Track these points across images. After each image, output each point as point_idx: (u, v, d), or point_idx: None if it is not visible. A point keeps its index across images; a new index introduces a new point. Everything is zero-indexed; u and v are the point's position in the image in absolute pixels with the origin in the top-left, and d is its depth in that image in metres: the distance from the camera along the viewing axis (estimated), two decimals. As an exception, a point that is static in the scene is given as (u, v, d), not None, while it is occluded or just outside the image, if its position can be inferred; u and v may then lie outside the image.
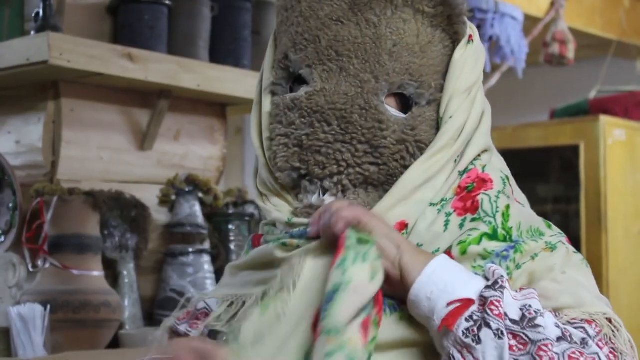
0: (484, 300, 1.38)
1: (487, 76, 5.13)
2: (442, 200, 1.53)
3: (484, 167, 1.57)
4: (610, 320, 1.44)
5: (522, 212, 1.55)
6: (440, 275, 1.41)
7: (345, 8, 1.54)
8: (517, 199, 1.62)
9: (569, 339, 1.36)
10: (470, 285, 1.40)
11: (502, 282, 1.39)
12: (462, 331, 1.37)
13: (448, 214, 1.52)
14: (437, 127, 1.56)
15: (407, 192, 1.52)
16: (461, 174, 1.55)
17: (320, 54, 1.54)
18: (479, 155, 1.58)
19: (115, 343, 2.96)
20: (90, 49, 2.93)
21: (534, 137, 6.32)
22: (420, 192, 1.52)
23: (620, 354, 1.41)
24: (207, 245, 3.21)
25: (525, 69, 5.00)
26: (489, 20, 4.64)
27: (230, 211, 3.30)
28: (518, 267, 1.47)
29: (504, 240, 1.49)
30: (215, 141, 3.44)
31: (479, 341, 1.35)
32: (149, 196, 3.16)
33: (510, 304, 1.38)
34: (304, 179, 1.56)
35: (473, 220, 1.51)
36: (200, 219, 3.21)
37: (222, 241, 3.28)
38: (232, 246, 3.28)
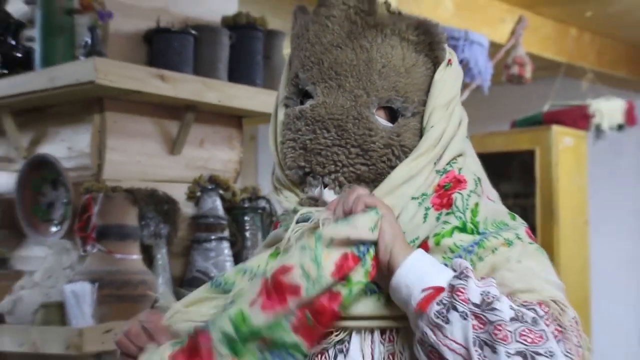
0: (452, 288, 1.41)
1: (458, 93, 5.15)
2: (423, 195, 1.57)
3: (460, 169, 1.60)
4: (556, 302, 1.46)
5: (488, 208, 1.58)
6: (418, 267, 1.45)
7: (344, 36, 1.58)
8: (488, 196, 1.64)
9: (521, 319, 1.39)
10: (441, 276, 1.44)
11: (467, 272, 1.43)
12: (434, 313, 1.40)
13: (427, 208, 1.56)
14: (420, 135, 1.60)
15: (392, 188, 1.56)
16: (439, 173, 1.58)
17: (323, 73, 1.58)
18: (455, 158, 1.61)
19: (151, 314, 2.96)
20: (129, 71, 2.94)
21: (498, 143, 6.33)
22: (403, 187, 1.56)
23: (565, 329, 1.43)
24: (226, 233, 3.22)
25: (490, 87, 5.01)
26: (460, 46, 4.65)
27: (246, 205, 3.30)
28: (481, 259, 1.50)
29: (471, 232, 1.53)
30: (233, 147, 3.45)
31: (447, 321, 1.39)
32: (178, 193, 3.17)
33: (473, 290, 1.40)
34: (308, 175, 1.59)
35: (447, 214, 1.54)
36: (220, 211, 3.22)
37: (239, 230, 3.28)
38: (247, 234, 3.28)
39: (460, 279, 1.42)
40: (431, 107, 1.59)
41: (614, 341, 6.99)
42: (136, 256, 2.94)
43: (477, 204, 1.56)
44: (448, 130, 1.60)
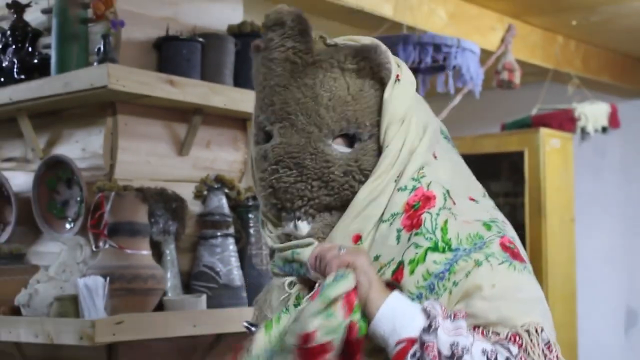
0: (422, 343, 1.39)
1: (451, 97, 5.15)
2: (392, 215, 1.54)
3: (429, 184, 1.56)
4: (529, 332, 1.43)
5: (459, 224, 1.53)
6: (392, 315, 1.43)
7: (288, 76, 1.55)
8: (471, 196, 1.62)
9: None
10: (412, 325, 1.41)
11: (435, 323, 1.40)
12: None
13: (399, 230, 1.53)
14: (379, 155, 1.57)
15: (357, 211, 1.54)
16: (404, 190, 1.55)
17: (276, 114, 1.57)
18: (421, 170, 1.57)
19: (160, 307, 2.96)
20: (140, 76, 2.93)
21: (488, 145, 6.33)
22: (367, 209, 1.54)
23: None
24: (231, 230, 3.21)
25: (481, 92, 5.00)
26: (453, 53, 4.64)
27: (250, 203, 3.29)
28: (455, 284, 1.47)
29: (444, 251, 1.49)
30: (238, 148, 3.44)
31: None
32: (186, 192, 3.16)
33: (443, 342, 1.38)
34: (281, 211, 1.59)
35: (416, 234, 1.51)
36: (226, 209, 3.21)
37: (244, 227, 3.28)
38: (251, 231, 3.27)
39: (429, 333, 1.39)
40: (385, 126, 1.56)
41: (599, 332, 6.98)
42: (146, 252, 2.93)
43: (446, 221, 1.52)
44: (406, 144, 1.56)
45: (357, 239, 1.54)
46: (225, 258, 3.12)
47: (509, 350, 1.40)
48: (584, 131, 6.34)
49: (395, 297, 1.46)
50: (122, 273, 2.82)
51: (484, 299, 1.45)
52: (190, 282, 3.14)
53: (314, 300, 1.44)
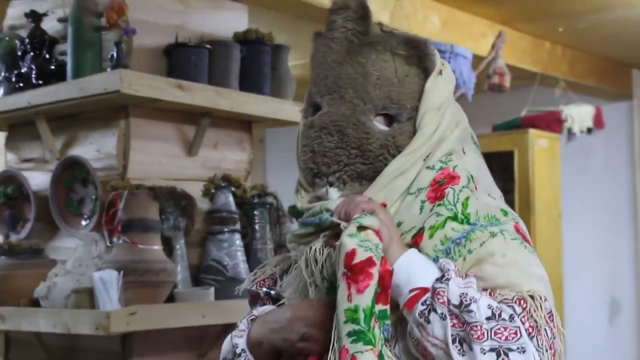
0: (433, 290, 1.43)
1: (445, 100, 5.15)
2: (419, 189, 1.57)
3: (455, 166, 1.60)
4: (533, 297, 1.46)
5: (480, 203, 1.58)
6: (408, 267, 1.48)
7: (344, 54, 1.61)
8: (490, 194, 1.66)
9: (498, 317, 1.40)
10: (426, 277, 1.46)
11: (449, 274, 1.44)
12: (418, 312, 1.44)
13: (423, 201, 1.56)
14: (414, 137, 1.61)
15: (385, 182, 1.57)
16: (432, 169, 1.59)
17: (328, 87, 1.61)
18: (449, 156, 1.61)
19: (170, 299, 2.97)
20: (151, 81, 2.94)
21: (480, 144, 6.32)
22: (395, 182, 1.57)
23: (539, 325, 1.43)
24: (238, 226, 3.21)
25: (473, 95, 5.01)
26: (446, 58, 4.65)
27: (255, 201, 3.30)
28: (470, 252, 1.51)
29: (462, 222, 1.54)
30: (244, 149, 3.45)
31: (429, 321, 1.42)
32: (195, 190, 3.17)
33: (454, 291, 1.42)
34: (316, 176, 1.61)
35: (439, 205, 1.55)
36: (232, 206, 3.22)
37: (249, 223, 3.28)
38: (256, 227, 3.28)
39: (442, 282, 1.43)
40: (422, 111, 1.60)
41: (585, 321, 6.99)
42: (157, 247, 2.94)
43: (467, 198, 1.57)
44: (438, 130, 1.60)
45: (383, 206, 1.56)
46: (232, 252, 3.12)
47: (513, 308, 1.43)
48: (570, 132, 6.33)
49: (413, 252, 1.51)
50: (135, 267, 2.83)
51: (495, 265, 1.49)
52: (199, 275, 3.15)
53: (348, 226, 1.47)
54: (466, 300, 1.41)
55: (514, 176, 6.16)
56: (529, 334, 1.41)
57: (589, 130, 6.43)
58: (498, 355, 1.37)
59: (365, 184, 1.59)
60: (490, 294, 1.47)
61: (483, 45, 5.63)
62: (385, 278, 1.46)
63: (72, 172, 3.16)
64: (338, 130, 1.58)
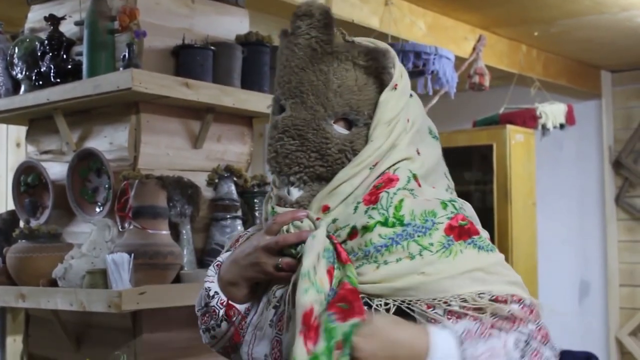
0: None
1: (429, 98, 5.14)
2: (357, 195, 1.54)
3: (395, 169, 1.56)
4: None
5: (416, 202, 1.52)
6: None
7: (307, 60, 1.56)
8: (434, 186, 1.61)
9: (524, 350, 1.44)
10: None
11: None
12: None
13: (358, 203, 1.53)
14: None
15: (331, 189, 1.54)
16: (377, 177, 1.55)
17: (291, 91, 1.57)
18: (397, 163, 1.57)
19: (177, 279, 2.96)
20: (160, 79, 2.93)
21: (462, 139, 6.33)
22: (341, 187, 1.54)
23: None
24: (239, 213, 3.21)
25: (455, 93, 5.00)
26: (431, 59, 4.63)
27: (255, 190, 3.29)
28: (385, 263, 1.47)
29: (393, 225, 1.48)
30: (245, 142, 3.44)
31: None
32: (200, 180, 3.16)
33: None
34: (278, 176, 1.59)
35: (372, 209, 1.51)
36: (234, 195, 3.21)
37: (250, 210, 3.28)
38: (256, 214, 3.27)
39: None
40: (374, 124, 1.57)
41: (557, 301, 7.00)
42: (165, 232, 2.93)
43: (401, 200, 1.51)
44: (387, 142, 1.56)
45: (326, 208, 1.54)
46: (233, 237, 3.11)
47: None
48: (544, 128, 6.33)
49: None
50: (144, 250, 2.82)
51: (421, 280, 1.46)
52: (203, 257, 3.14)
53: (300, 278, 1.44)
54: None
55: (493, 168, 6.15)
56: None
57: (562, 126, 6.43)
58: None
59: (324, 184, 1.56)
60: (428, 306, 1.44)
61: (465, 47, 5.63)
62: (348, 295, 1.40)
63: (87, 163, 3.15)
64: (299, 134, 1.55)
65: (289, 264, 1.51)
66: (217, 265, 1.68)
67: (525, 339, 1.42)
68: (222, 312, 1.62)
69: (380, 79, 1.59)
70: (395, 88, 1.59)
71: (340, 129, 1.56)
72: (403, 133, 1.59)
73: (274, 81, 1.66)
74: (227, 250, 1.77)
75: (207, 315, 1.65)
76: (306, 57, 1.57)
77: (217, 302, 1.62)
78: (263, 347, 1.55)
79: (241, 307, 1.62)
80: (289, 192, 1.57)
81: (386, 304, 1.46)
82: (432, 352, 1.40)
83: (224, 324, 1.63)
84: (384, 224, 1.49)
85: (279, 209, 1.57)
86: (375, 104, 1.58)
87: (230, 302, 1.62)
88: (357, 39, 1.64)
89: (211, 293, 1.63)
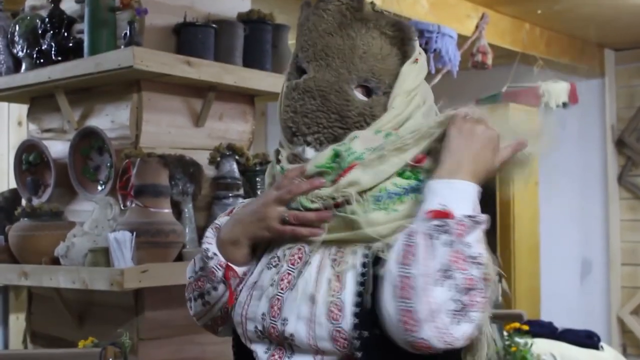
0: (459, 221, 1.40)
1: (432, 76, 5.13)
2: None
3: None
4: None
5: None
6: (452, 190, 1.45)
7: (335, 25, 1.60)
8: None
9: (484, 286, 1.38)
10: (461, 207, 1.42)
11: (479, 220, 1.42)
12: (432, 225, 1.40)
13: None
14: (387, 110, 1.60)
15: None
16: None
17: (316, 54, 1.60)
18: (412, 133, 1.57)
19: (179, 257, 2.97)
20: (162, 57, 2.93)
21: (464, 118, 6.32)
22: None
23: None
24: (241, 191, 3.21)
25: (458, 72, 4.98)
26: (434, 38, 4.62)
27: (257, 168, 3.29)
28: (395, 211, 1.49)
29: (408, 178, 1.52)
30: (247, 121, 3.44)
31: (434, 237, 1.38)
32: (202, 158, 3.16)
33: (477, 247, 1.40)
34: (295, 135, 1.60)
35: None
36: (236, 173, 3.21)
37: (252, 189, 3.28)
38: (258, 192, 3.27)
39: (471, 220, 1.39)
40: (395, 92, 1.59)
41: (559, 279, 7.00)
42: (167, 210, 2.93)
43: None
44: (404, 113, 1.59)
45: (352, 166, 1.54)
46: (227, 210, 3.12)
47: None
48: (547, 106, 6.32)
49: (469, 184, 1.46)
50: (146, 228, 2.83)
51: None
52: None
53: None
54: (479, 260, 1.37)
55: (496, 146, 6.15)
56: (481, 309, 1.38)
57: (564, 105, 6.41)
58: (459, 310, 1.33)
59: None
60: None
61: (468, 25, 5.60)
62: None
63: (88, 141, 3.15)
64: (321, 95, 1.57)
65: (297, 216, 1.53)
66: (215, 227, 1.69)
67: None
68: (220, 273, 1.62)
69: (403, 50, 1.62)
70: (417, 62, 1.63)
71: (360, 95, 1.59)
72: (417, 108, 1.62)
73: (296, 48, 1.66)
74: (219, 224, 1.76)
75: (202, 279, 1.66)
76: (335, 22, 1.60)
77: (216, 264, 1.63)
78: (261, 306, 1.54)
79: (239, 270, 1.62)
80: (304, 151, 1.58)
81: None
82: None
83: (221, 287, 1.63)
84: (400, 174, 1.52)
85: (290, 166, 1.59)
86: (395, 75, 1.60)
87: (229, 263, 1.62)
88: (386, 12, 1.67)
89: (209, 254, 1.64)
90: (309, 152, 1.58)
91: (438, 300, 1.32)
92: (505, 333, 4.01)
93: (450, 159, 1.48)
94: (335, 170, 1.52)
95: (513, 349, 3.95)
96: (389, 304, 1.37)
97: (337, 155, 1.53)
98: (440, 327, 1.32)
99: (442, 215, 1.39)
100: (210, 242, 1.66)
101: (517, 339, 4.01)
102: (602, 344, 4.65)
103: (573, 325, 5.01)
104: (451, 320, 1.33)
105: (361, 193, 1.50)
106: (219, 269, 1.62)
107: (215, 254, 1.63)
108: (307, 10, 1.66)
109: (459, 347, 1.38)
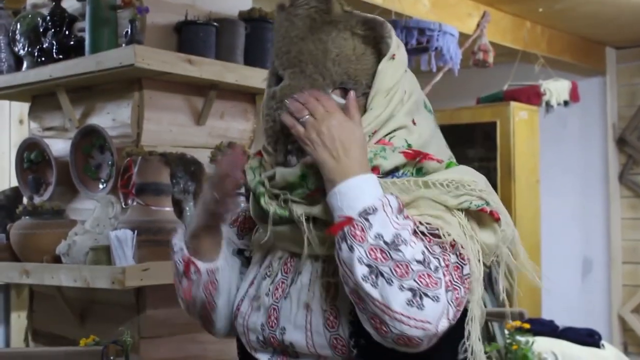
0: (354, 222, 1.38)
1: (433, 75, 5.13)
2: None
3: (391, 138, 1.57)
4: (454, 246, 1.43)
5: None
6: (353, 189, 1.44)
7: (306, 30, 1.57)
8: (438, 160, 1.60)
9: (425, 265, 1.35)
10: (357, 206, 1.40)
11: (374, 210, 1.38)
12: (337, 238, 1.40)
13: None
14: (365, 111, 1.59)
15: None
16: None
17: (289, 61, 1.58)
18: (394, 132, 1.57)
19: (181, 256, 2.96)
20: (163, 56, 2.92)
21: (466, 116, 6.32)
22: None
23: (458, 284, 1.40)
24: (242, 190, 3.20)
25: (459, 70, 4.98)
26: (435, 36, 4.62)
27: (258, 167, 3.29)
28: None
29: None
30: (248, 119, 3.43)
31: (340, 249, 1.39)
32: (203, 156, 3.16)
33: (389, 230, 1.36)
34: (276, 144, 1.60)
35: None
36: (238, 172, 3.20)
37: (253, 187, 3.28)
38: (259, 190, 3.27)
39: (366, 216, 1.37)
40: (373, 93, 1.57)
41: (560, 278, 7.01)
42: (168, 208, 2.93)
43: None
44: (386, 111, 1.57)
45: None
46: (235, 213, 3.11)
47: (439, 260, 1.39)
48: (548, 104, 6.31)
49: (365, 178, 1.44)
50: (148, 227, 2.82)
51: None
52: (206, 234, 3.14)
53: None
54: (398, 241, 1.35)
55: (497, 145, 6.15)
56: (447, 287, 1.37)
57: (566, 103, 6.42)
58: (414, 295, 1.32)
59: None
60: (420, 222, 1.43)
61: (469, 24, 5.60)
62: None
63: (90, 140, 3.14)
64: None
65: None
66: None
67: (435, 265, 1.38)
68: (181, 267, 1.67)
69: (377, 49, 1.60)
70: (393, 58, 1.60)
71: (338, 98, 1.56)
72: (400, 104, 1.59)
73: (273, 55, 1.66)
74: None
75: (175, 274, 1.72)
76: (305, 27, 1.58)
77: (179, 258, 1.68)
78: (259, 317, 1.57)
79: (202, 265, 1.66)
80: (286, 159, 1.58)
81: None
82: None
83: (184, 281, 1.68)
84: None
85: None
86: (373, 75, 1.58)
87: (191, 258, 1.67)
88: (355, 11, 1.64)
89: (176, 248, 1.70)
90: (292, 161, 1.57)
91: (385, 300, 1.33)
92: (506, 331, 4.01)
93: (325, 174, 1.45)
94: (303, 188, 1.52)
95: (514, 347, 3.95)
96: (360, 317, 1.39)
97: (303, 177, 1.52)
98: (406, 319, 1.32)
99: (343, 224, 1.38)
100: (179, 238, 1.70)
101: (518, 337, 4.01)
102: (603, 342, 4.65)
103: (574, 323, 5.01)
104: (411, 309, 1.32)
105: None
106: (180, 262, 1.67)
107: (181, 249, 1.68)
108: (280, 15, 1.64)
109: (453, 326, 1.38)
